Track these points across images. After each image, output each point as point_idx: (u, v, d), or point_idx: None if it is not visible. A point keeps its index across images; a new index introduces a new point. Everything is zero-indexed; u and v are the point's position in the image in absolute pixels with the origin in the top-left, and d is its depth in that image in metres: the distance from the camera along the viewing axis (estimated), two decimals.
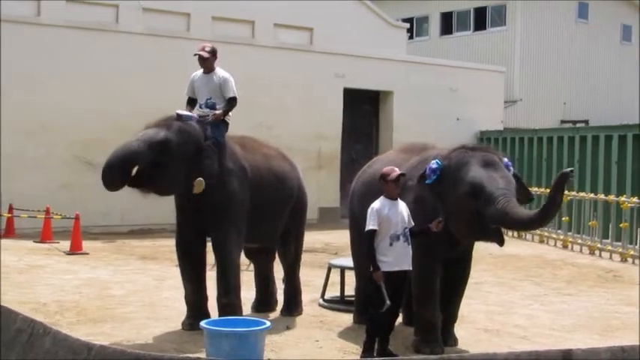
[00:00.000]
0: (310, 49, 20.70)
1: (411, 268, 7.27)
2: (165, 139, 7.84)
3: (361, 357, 7.30)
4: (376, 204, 7.25)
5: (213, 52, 8.56)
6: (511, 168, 7.55)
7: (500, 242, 7.26)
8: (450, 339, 7.89)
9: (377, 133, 22.49)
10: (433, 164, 7.42)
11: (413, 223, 7.35)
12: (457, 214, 7.32)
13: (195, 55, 8.54)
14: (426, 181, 7.42)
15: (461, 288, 8.06)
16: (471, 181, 7.18)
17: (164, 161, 7.82)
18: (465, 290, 8.17)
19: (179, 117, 8.16)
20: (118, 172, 7.84)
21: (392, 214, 7.19)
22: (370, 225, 7.15)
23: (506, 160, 7.55)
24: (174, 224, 8.61)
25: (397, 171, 7.31)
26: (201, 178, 7.96)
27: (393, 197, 7.30)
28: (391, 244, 7.14)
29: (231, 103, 8.54)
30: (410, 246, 7.26)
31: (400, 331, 8.23)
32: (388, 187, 7.28)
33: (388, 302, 7.01)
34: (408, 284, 7.45)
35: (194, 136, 8.06)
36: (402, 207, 7.35)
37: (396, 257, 7.14)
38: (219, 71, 8.60)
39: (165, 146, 7.82)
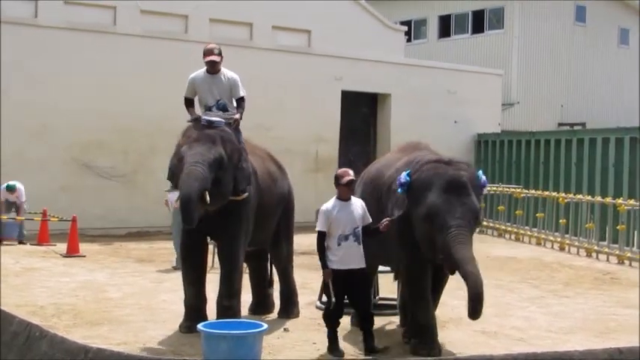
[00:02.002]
0: (308, 52, 20.70)
1: (360, 267, 7.44)
2: (220, 156, 7.82)
3: (331, 352, 7.45)
4: (326, 205, 7.52)
5: (221, 53, 8.49)
6: (484, 187, 7.58)
7: (449, 272, 7.37)
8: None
9: (375, 136, 22.50)
10: (402, 177, 7.47)
11: (371, 220, 7.57)
12: (417, 230, 7.41)
13: (207, 61, 8.40)
14: (398, 191, 7.52)
15: (440, 291, 8.06)
16: (429, 205, 7.22)
17: (219, 176, 7.82)
18: (442, 294, 8.17)
19: (210, 124, 8.06)
20: (199, 204, 7.66)
21: (341, 215, 7.42)
22: (318, 226, 7.46)
23: (483, 178, 7.55)
24: (170, 227, 8.59)
25: (349, 176, 7.51)
26: (246, 194, 8.05)
27: (344, 198, 7.52)
28: (339, 244, 7.39)
29: (243, 104, 8.54)
30: (360, 246, 7.45)
31: (398, 333, 8.24)
32: (340, 189, 7.53)
33: (333, 299, 7.42)
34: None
35: (234, 142, 8.07)
36: (356, 207, 7.55)
37: (344, 257, 7.37)
38: (226, 71, 8.52)
39: (220, 163, 7.81)
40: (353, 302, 7.67)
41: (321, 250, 7.44)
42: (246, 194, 8.09)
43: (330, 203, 7.52)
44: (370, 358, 7.42)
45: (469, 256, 7.00)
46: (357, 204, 7.60)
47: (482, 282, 6.91)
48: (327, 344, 7.53)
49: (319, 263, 7.51)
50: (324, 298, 9.76)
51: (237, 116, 8.37)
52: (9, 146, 16.21)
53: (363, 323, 7.65)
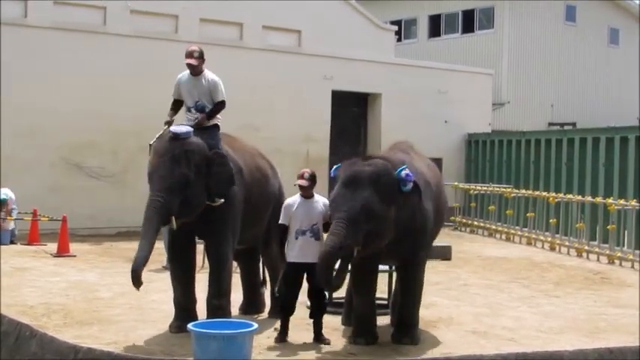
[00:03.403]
0: (298, 52, 20.69)
1: (315, 261, 7.59)
2: (182, 176, 7.78)
3: (277, 337, 7.90)
4: (288, 200, 8.04)
5: (202, 56, 8.48)
6: (408, 182, 7.50)
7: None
8: (404, 338, 7.95)
9: (365, 136, 22.52)
10: (332, 173, 7.95)
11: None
12: None
13: (186, 64, 8.39)
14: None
15: (405, 292, 8.13)
16: (329, 199, 7.66)
17: (187, 194, 7.82)
18: (416, 296, 8.15)
19: (176, 136, 7.96)
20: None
21: (299, 212, 7.83)
22: (280, 219, 7.94)
23: (405, 173, 7.49)
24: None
25: (300, 180, 7.88)
26: (222, 200, 8.08)
27: (305, 196, 7.90)
28: (296, 238, 7.82)
29: (219, 106, 8.48)
30: (318, 242, 7.77)
31: (388, 333, 8.23)
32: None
33: (277, 289, 8.23)
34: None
35: (200, 152, 7.99)
36: (317, 205, 7.90)
37: (300, 251, 7.75)
38: (208, 74, 8.51)
39: (185, 182, 7.79)
40: (308, 293, 8.00)
41: (280, 242, 7.94)
42: (222, 201, 8.06)
43: (293, 199, 7.97)
44: (368, 358, 7.45)
45: (325, 250, 7.27)
46: (320, 202, 7.95)
47: (325, 254, 7.21)
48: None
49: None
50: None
51: (201, 116, 8.33)
52: None
53: (314, 313, 7.97)
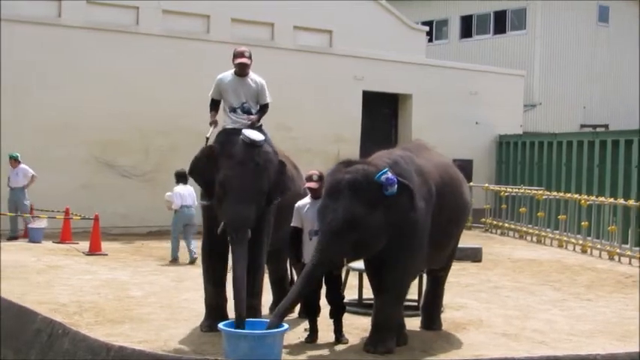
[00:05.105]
0: (329, 52, 20.72)
1: None
2: (261, 186, 7.89)
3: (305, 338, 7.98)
4: (299, 202, 8.03)
5: (251, 56, 8.47)
6: (390, 186, 7.23)
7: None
8: (373, 345, 7.56)
9: (396, 136, 22.48)
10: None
11: None
12: None
13: (238, 63, 8.36)
14: None
15: (380, 291, 7.74)
16: (317, 210, 7.53)
17: (257, 202, 7.95)
18: (390, 300, 7.70)
19: (252, 143, 7.90)
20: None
21: (309, 213, 7.82)
22: (292, 222, 8.01)
23: (385, 177, 7.22)
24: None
25: (308, 182, 7.95)
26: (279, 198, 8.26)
27: (314, 197, 7.89)
28: (310, 239, 7.73)
29: (265, 109, 8.53)
30: None
31: (418, 336, 8.23)
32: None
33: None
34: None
35: (275, 162, 8.11)
36: None
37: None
38: (254, 76, 8.49)
39: (261, 193, 7.93)
40: (326, 294, 8.03)
41: (292, 244, 8.00)
42: (278, 199, 8.20)
43: (303, 201, 8.00)
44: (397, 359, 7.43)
45: (308, 266, 7.29)
46: None
47: (307, 272, 7.24)
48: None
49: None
50: (346, 299, 9.83)
51: (253, 117, 8.34)
52: (31, 145, 16.32)
53: (333, 313, 8.02)
